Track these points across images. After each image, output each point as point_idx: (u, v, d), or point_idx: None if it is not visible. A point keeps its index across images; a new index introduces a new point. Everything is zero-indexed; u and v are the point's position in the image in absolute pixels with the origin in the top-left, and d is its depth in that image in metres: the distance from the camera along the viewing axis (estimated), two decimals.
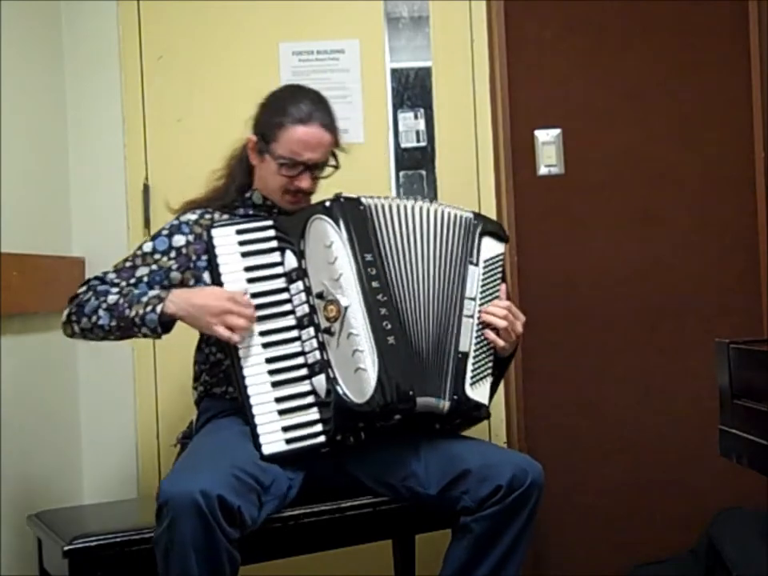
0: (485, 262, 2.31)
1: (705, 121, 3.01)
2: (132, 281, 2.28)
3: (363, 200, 2.26)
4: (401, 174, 3.06)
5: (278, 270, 2.23)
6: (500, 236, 2.39)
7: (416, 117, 3.07)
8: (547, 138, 2.98)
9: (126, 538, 2.06)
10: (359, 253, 2.18)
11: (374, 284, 2.17)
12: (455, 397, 2.18)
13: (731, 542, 2.70)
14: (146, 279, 2.28)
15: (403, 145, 3.06)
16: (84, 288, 2.28)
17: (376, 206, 2.26)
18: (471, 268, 2.29)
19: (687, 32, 3.00)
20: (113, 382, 2.94)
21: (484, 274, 2.30)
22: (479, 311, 2.26)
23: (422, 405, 2.15)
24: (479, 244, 2.33)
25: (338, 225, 2.19)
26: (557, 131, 2.99)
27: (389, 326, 2.14)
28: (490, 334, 2.26)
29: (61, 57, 2.94)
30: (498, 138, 3.01)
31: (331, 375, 2.13)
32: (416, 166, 3.06)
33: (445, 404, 2.18)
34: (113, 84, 2.98)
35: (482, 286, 2.29)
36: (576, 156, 2.99)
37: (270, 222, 2.27)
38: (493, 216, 3.03)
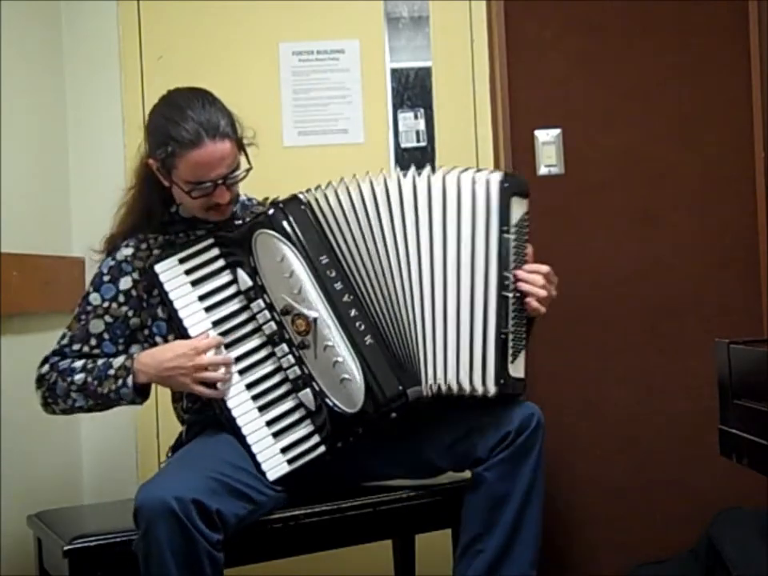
0: (515, 226, 2.17)
1: (705, 121, 3.01)
2: (92, 342, 2.19)
3: (301, 197, 2.16)
4: None
5: (233, 289, 2.16)
6: (525, 193, 2.21)
7: (416, 117, 3.07)
8: (547, 138, 2.98)
9: (126, 538, 2.04)
10: (314, 258, 2.11)
11: (337, 286, 2.11)
12: (501, 381, 2.11)
13: (731, 542, 2.69)
14: (106, 336, 2.19)
15: (403, 145, 3.06)
16: (47, 368, 2.20)
17: (317, 200, 2.16)
18: (505, 237, 2.15)
19: (687, 32, 3.00)
20: None
21: (515, 240, 2.17)
22: (514, 283, 2.15)
23: (413, 395, 2.11)
24: (509, 208, 2.16)
25: (284, 236, 2.12)
26: (557, 131, 2.99)
27: (362, 327, 2.10)
28: (532, 303, 2.16)
29: (61, 57, 2.94)
30: (497, 138, 3.01)
31: (317, 388, 2.10)
32: (416, 165, 3.04)
33: (491, 390, 2.11)
34: (113, 84, 2.99)
35: (515, 254, 2.17)
36: (576, 156, 2.99)
37: (211, 241, 2.17)
38: None
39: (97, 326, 2.19)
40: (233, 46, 3.02)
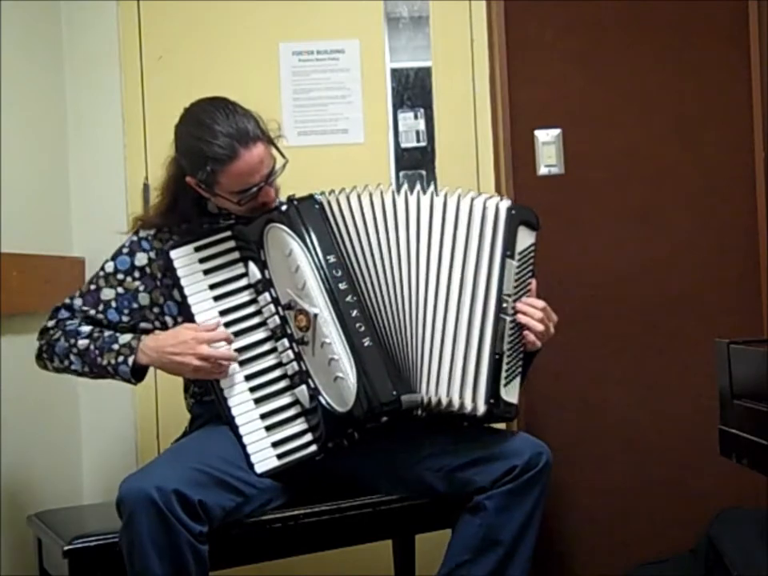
0: (519, 254, 2.19)
1: (705, 121, 3.01)
2: (100, 307, 2.24)
3: (317, 197, 2.19)
4: (401, 173, 3.06)
5: (243, 281, 2.19)
6: (533, 224, 2.23)
7: (416, 117, 3.07)
8: (547, 138, 2.98)
9: None
10: (321, 256, 2.13)
11: (342, 286, 2.12)
12: (492, 401, 2.10)
13: (731, 542, 2.70)
14: (113, 304, 2.24)
15: (403, 145, 3.06)
16: (53, 322, 2.24)
17: (331, 202, 2.19)
18: (508, 262, 2.16)
19: (687, 32, 3.00)
20: (112, 382, 2.93)
21: (518, 267, 2.18)
22: (513, 309, 2.16)
23: (407, 402, 2.10)
24: (515, 235, 2.18)
25: (294, 231, 2.14)
26: (557, 131, 2.99)
27: (362, 328, 2.10)
28: (529, 336, 2.16)
29: (61, 57, 2.94)
30: (498, 138, 3.02)
31: (312, 385, 2.11)
32: (416, 165, 3.07)
33: (480, 408, 2.11)
34: (113, 84, 2.99)
35: (516, 280, 2.18)
36: (576, 156, 2.99)
37: (228, 233, 2.21)
38: None
39: (107, 294, 2.25)
40: (233, 46, 3.02)
